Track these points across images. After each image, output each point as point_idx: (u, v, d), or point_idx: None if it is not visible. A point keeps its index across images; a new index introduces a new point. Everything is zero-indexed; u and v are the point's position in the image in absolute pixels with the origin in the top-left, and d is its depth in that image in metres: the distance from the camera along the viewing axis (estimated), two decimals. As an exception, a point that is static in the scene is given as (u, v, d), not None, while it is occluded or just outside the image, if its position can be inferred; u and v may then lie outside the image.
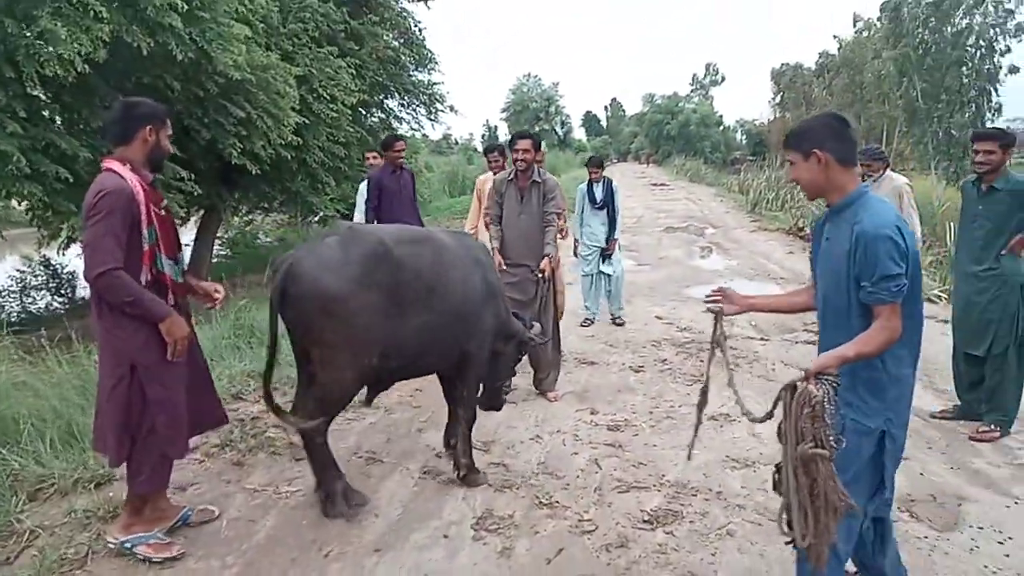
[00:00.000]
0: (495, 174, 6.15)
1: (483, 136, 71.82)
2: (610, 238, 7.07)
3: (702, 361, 5.86)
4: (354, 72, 11.01)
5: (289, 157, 9.48)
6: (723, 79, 78.57)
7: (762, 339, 6.61)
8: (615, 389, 5.05)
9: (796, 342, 6.48)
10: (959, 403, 4.55)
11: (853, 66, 41.72)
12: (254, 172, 8.90)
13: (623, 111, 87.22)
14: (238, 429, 4.16)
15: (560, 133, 67.53)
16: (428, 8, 15.80)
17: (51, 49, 5.85)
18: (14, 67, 5.93)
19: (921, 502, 3.49)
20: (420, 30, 14.45)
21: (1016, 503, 3.47)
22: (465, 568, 2.92)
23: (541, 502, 3.43)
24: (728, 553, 3.02)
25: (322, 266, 2.95)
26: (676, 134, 65.22)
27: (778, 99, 52.35)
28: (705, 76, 78.81)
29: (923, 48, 38.79)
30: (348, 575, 2.88)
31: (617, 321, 7.16)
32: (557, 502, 3.43)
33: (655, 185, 30.89)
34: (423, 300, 3.20)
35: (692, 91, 76.29)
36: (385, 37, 13.18)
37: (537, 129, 67.07)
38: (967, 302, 4.31)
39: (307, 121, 9.66)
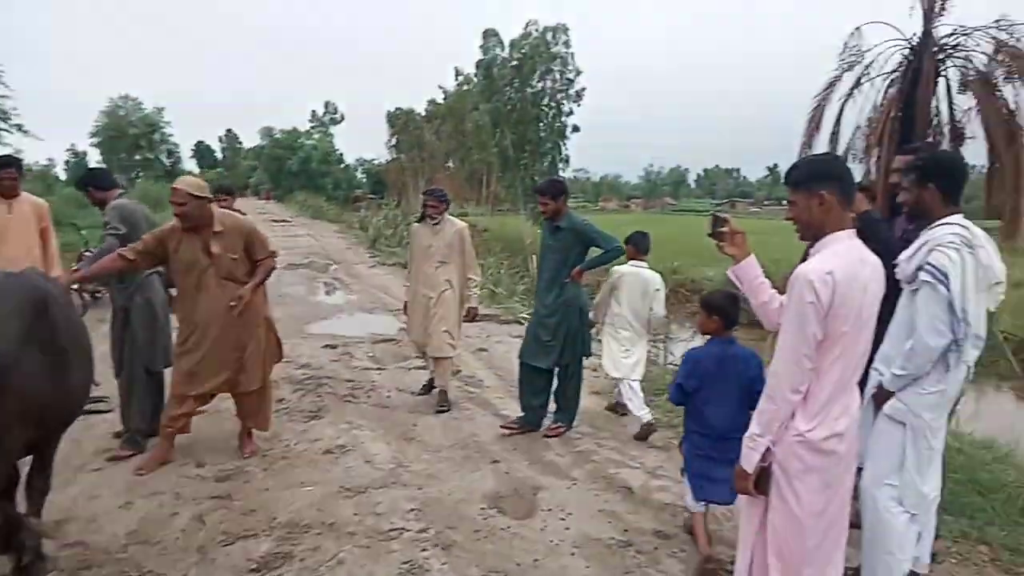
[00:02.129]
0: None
1: (66, 163, 61.86)
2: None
3: (320, 397, 5.91)
4: None
5: None
6: (343, 118, 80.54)
7: (379, 368, 6.91)
8: (226, 437, 4.78)
9: (410, 368, 6.91)
10: (523, 414, 5.09)
11: (457, 115, 46.42)
12: None
13: (240, 143, 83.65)
14: None
15: (167, 163, 61.41)
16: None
17: None
18: None
19: (506, 497, 4.00)
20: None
21: (575, 484, 4.20)
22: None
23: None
24: (337, 582, 3.08)
25: None
26: (297, 170, 64.64)
27: (394, 141, 55.67)
28: (324, 113, 79.85)
29: (511, 104, 45.14)
30: None
31: None
32: (150, 571, 3.10)
33: (276, 221, 30.23)
34: (74, 349, 2.87)
35: (312, 128, 76.51)
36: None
37: (138, 158, 60.11)
38: (538, 322, 5.00)
39: None
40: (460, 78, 47.88)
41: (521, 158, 44.99)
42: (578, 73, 45.81)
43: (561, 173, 49.99)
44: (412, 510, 3.81)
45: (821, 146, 14.31)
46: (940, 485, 2.82)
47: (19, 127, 12.64)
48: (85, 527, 3.51)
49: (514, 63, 45.05)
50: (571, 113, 46.71)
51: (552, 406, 5.15)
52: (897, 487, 2.72)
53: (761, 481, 2.21)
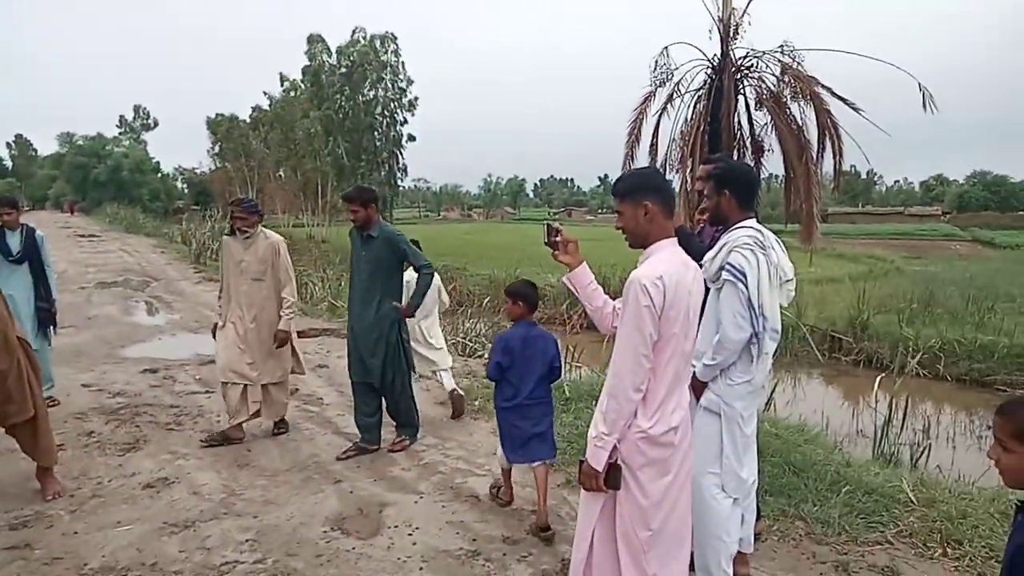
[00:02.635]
0: None
1: None
2: (48, 301, 5.88)
3: (138, 426, 5.37)
4: None
5: None
6: (156, 123, 74.66)
7: (207, 392, 6.42)
8: (22, 478, 4.20)
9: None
10: (359, 439, 4.91)
11: (285, 122, 44.54)
12: None
13: (34, 150, 74.92)
14: None
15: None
16: None
17: None
18: None
19: (350, 517, 3.83)
20: None
21: (421, 497, 4.12)
22: None
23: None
24: (161, 629, 2.79)
25: None
26: (107, 180, 59.04)
27: (217, 149, 52.46)
28: (135, 119, 73.59)
29: (343, 112, 44.12)
30: None
31: (51, 403, 5.63)
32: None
33: (83, 236, 27.38)
34: None
35: (121, 134, 70.20)
36: None
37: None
38: (357, 340, 4.77)
39: None
40: (287, 84, 46.08)
41: (357, 167, 44.06)
42: (410, 83, 45.67)
43: (400, 183, 49.60)
44: (247, 540, 3.55)
45: (642, 157, 15.17)
46: (756, 469, 3.05)
47: None
48: None
49: (343, 70, 43.99)
50: (405, 122, 46.45)
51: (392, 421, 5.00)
52: (719, 474, 2.90)
53: (611, 477, 2.26)
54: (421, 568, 3.30)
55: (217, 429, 5.21)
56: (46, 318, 5.89)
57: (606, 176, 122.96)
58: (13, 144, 77.40)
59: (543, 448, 3.74)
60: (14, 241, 5.76)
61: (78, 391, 6.34)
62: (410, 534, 3.65)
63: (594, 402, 5.84)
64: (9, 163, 75.33)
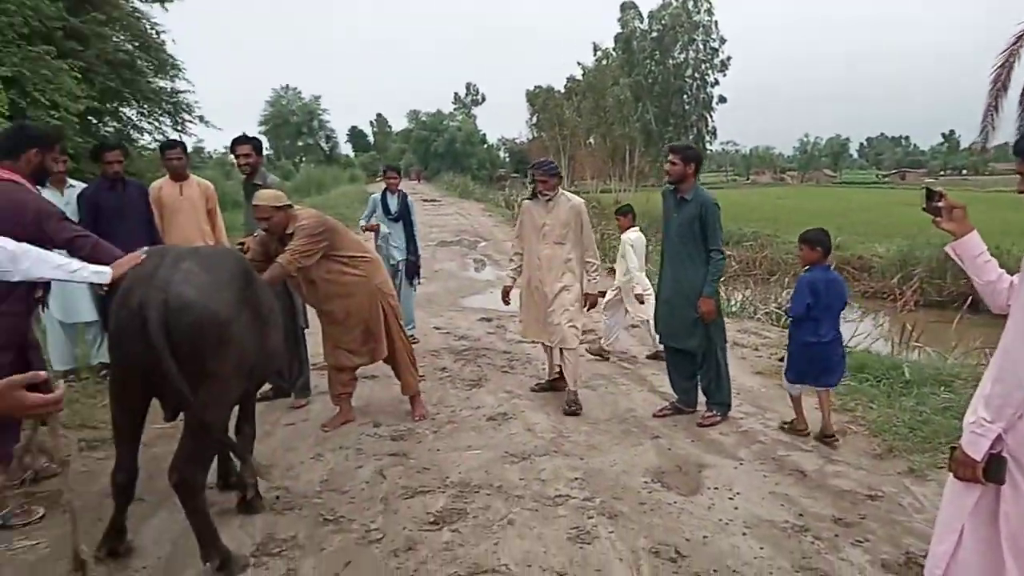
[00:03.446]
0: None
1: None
2: (415, 255, 7.06)
3: (479, 366, 6.12)
4: (79, 76, 9.70)
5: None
6: (484, 99, 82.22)
7: (532, 342, 7.02)
8: (397, 400, 5.07)
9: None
10: (676, 398, 4.96)
11: (596, 91, 45.79)
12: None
13: (389, 127, 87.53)
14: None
15: (326, 148, 65.79)
16: (166, 10, 13.79)
17: None
18: None
19: (669, 472, 3.95)
20: (158, 33, 13.21)
21: (741, 464, 4.08)
22: (247, 598, 2.77)
23: (325, 519, 3.36)
24: (509, 540, 3.19)
25: (205, 292, 2.73)
26: (443, 151, 67.05)
27: (534, 119, 55.98)
28: (467, 95, 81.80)
29: (652, 77, 44.04)
30: (109, 629, 2.58)
31: (413, 341, 6.57)
32: (342, 516, 3.38)
33: (427, 201, 31.51)
34: (271, 315, 3.26)
35: (455, 109, 78.63)
36: (115, 39, 11.96)
37: (300, 144, 64.85)
38: (670, 302, 4.71)
39: (23, 129, 8.45)
40: (599, 53, 47.17)
41: (665, 132, 43.79)
42: (723, 42, 43.86)
43: (708, 146, 48.19)
44: (576, 479, 3.86)
45: (1010, 110, 12.67)
46: None
47: (201, 118, 13.94)
48: (284, 474, 3.88)
49: (654, 35, 43.72)
50: (716, 83, 44.84)
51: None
52: None
53: (992, 469, 2.01)
54: (744, 534, 3.28)
55: (542, 376, 5.71)
56: (412, 269, 6.99)
57: (952, 132, 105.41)
58: (374, 122, 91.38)
59: (833, 376, 4.34)
60: (393, 202, 6.94)
61: (432, 332, 7.43)
62: (731, 498, 3.64)
63: (941, 387, 5.20)
64: (371, 138, 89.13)
